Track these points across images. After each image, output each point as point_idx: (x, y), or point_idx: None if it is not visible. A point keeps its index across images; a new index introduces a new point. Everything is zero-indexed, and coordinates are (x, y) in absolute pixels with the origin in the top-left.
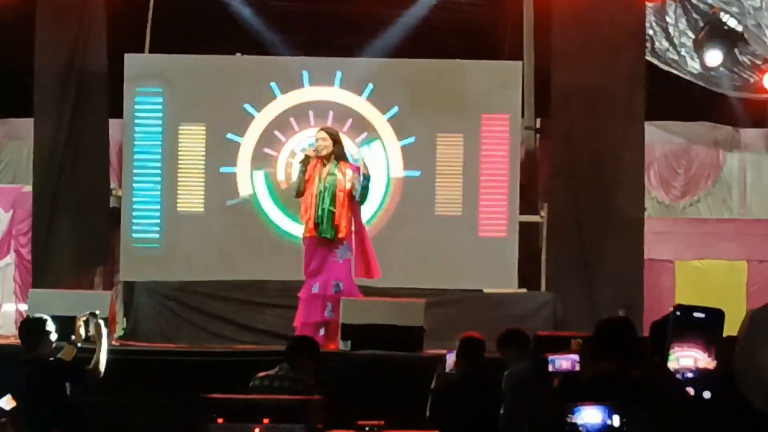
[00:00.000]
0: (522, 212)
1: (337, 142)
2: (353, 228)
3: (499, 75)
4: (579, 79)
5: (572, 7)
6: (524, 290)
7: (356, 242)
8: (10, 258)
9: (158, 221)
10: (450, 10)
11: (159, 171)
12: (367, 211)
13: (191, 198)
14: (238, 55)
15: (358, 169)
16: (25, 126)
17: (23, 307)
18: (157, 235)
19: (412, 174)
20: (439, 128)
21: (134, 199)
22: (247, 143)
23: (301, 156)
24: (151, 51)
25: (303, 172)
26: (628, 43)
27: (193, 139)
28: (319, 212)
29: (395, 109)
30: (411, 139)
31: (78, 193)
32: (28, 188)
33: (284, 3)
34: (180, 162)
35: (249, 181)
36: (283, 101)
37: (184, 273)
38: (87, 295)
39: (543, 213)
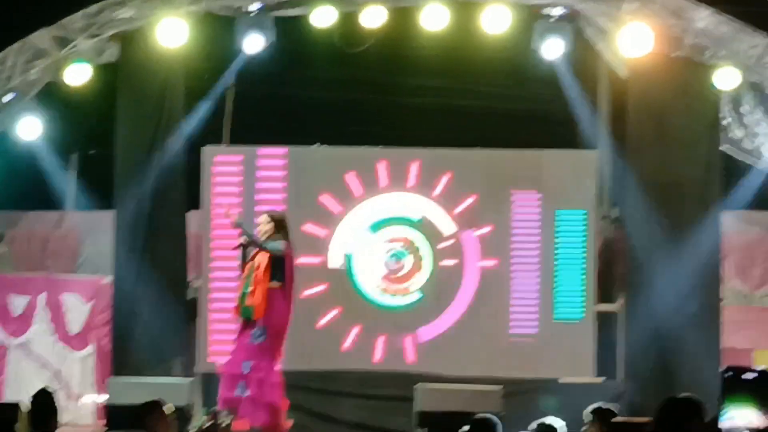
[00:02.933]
0: (599, 301)
1: (279, 225)
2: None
3: (576, 164)
4: (655, 169)
5: (647, 98)
6: (601, 379)
7: (277, 326)
8: (91, 348)
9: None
10: (525, 99)
11: (236, 262)
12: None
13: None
14: (317, 145)
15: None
16: (106, 218)
17: (103, 397)
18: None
19: (488, 263)
20: (516, 218)
21: (212, 291)
22: (326, 234)
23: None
24: (230, 143)
25: (243, 256)
26: (703, 132)
27: None
28: (241, 293)
29: (472, 198)
30: (487, 229)
31: (157, 284)
32: (108, 279)
33: (360, 95)
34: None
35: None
36: (361, 191)
37: None
38: (167, 383)
39: (620, 302)
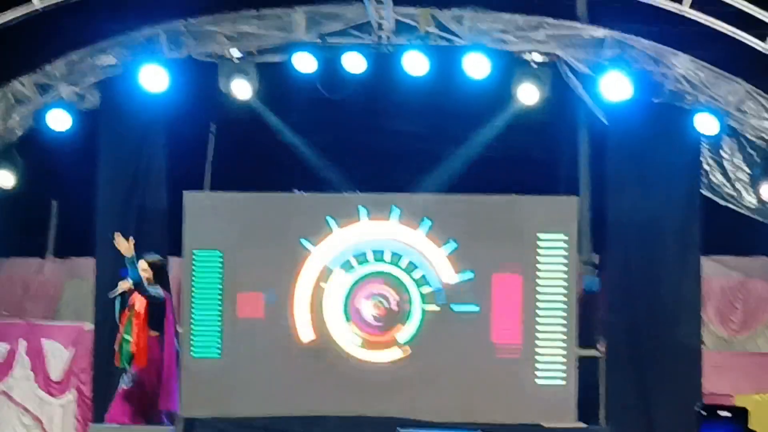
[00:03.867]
0: (580, 345)
1: (158, 272)
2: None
3: (555, 210)
4: (635, 212)
5: (628, 143)
6: (583, 425)
7: (153, 374)
8: (71, 395)
9: (218, 356)
10: (506, 145)
11: (218, 308)
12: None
13: (251, 335)
14: (296, 191)
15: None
16: (87, 264)
17: None
18: (216, 373)
19: (469, 308)
20: (496, 263)
21: (193, 339)
22: (305, 277)
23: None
24: (211, 188)
25: (120, 303)
26: (683, 177)
27: (252, 274)
28: (122, 342)
29: (452, 243)
30: (469, 274)
31: None
32: (90, 326)
33: (342, 140)
34: (240, 297)
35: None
36: (340, 236)
37: (244, 408)
38: (148, 430)
39: (601, 347)
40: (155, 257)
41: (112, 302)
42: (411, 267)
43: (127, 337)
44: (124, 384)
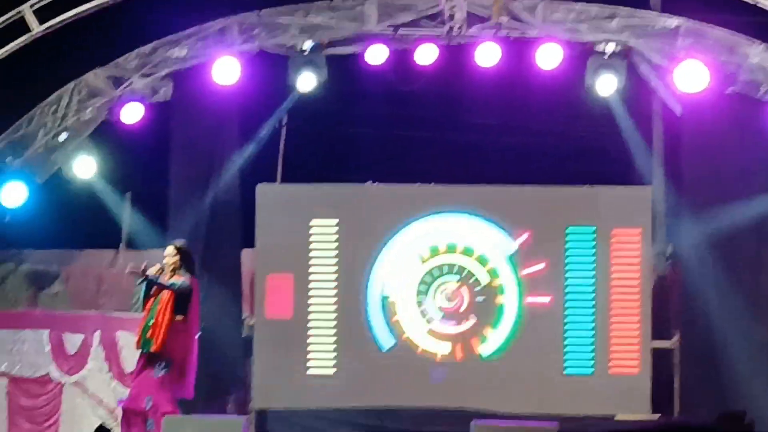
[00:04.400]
0: (654, 338)
1: (185, 257)
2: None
3: (630, 200)
4: (709, 203)
5: (702, 134)
6: (657, 416)
7: (179, 359)
8: None
9: (290, 350)
10: (579, 136)
11: (291, 299)
12: (497, 338)
13: (324, 327)
14: (369, 183)
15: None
16: (160, 257)
17: None
18: (289, 365)
19: (543, 300)
20: (570, 255)
21: (267, 328)
22: (378, 271)
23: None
24: (283, 180)
25: (145, 290)
26: (758, 167)
27: (325, 265)
28: (144, 326)
29: (525, 235)
30: (541, 266)
31: (211, 321)
32: None
33: (412, 132)
34: (312, 288)
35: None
36: (414, 229)
37: (316, 400)
38: (220, 421)
39: (675, 339)
40: (182, 242)
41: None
42: (484, 259)
43: (150, 321)
44: (161, 371)
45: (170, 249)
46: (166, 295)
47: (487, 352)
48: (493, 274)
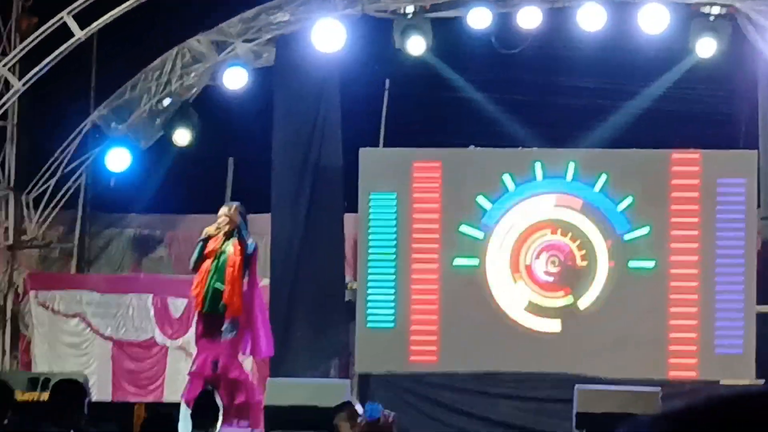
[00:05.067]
0: (759, 302)
1: (240, 218)
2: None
3: (734, 164)
4: None
5: None
6: (762, 381)
7: (246, 319)
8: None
9: (392, 314)
10: (683, 99)
11: (393, 264)
12: (601, 303)
13: (425, 292)
14: (472, 147)
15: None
16: (263, 221)
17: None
18: (391, 325)
19: (646, 264)
20: (674, 218)
21: (369, 293)
22: (480, 234)
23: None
24: (386, 145)
25: (202, 249)
26: None
27: (427, 231)
28: (207, 288)
29: (629, 199)
30: (646, 229)
31: (314, 286)
32: (266, 281)
33: (515, 96)
34: (414, 253)
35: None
36: (517, 193)
37: (419, 365)
38: (325, 384)
39: None
40: (237, 203)
41: (288, 259)
42: (587, 224)
43: (218, 285)
44: (230, 335)
45: (225, 210)
46: (233, 257)
47: (591, 317)
48: (596, 238)
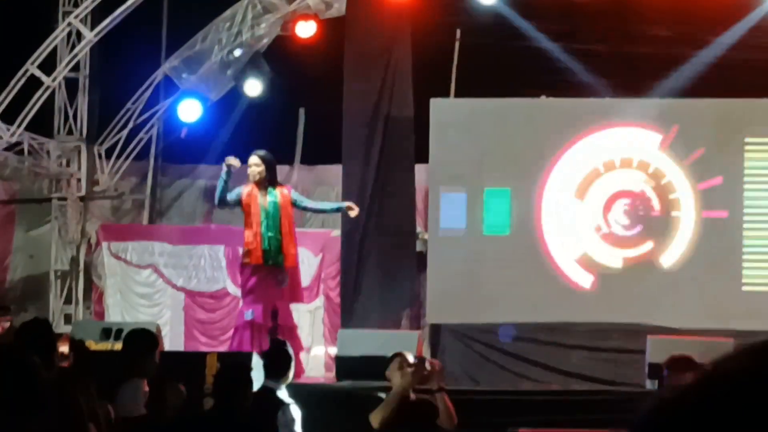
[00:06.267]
0: None
1: (270, 167)
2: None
3: None
4: None
5: None
6: None
7: (292, 269)
8: (320, 301)
9: (464, 264)
10: (756, 48)
11: (464, 215)
12: (674, 253)
13: (496, 243)
14: (543, 97)
15: (290, 188)
16: (333, 172)
17: (332, 350)
18: (463, 281)
19: (719, 215)
20: (748, 168)
21: (440, 244)
22: (551, 186)
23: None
24: (456, 95)
25: (226, 181)
26: None
27: (498, 181)
28: (266, 241)
29: (702, 149)
30: (718, 180)
31: (385, 237)
32: (337, 233)
33: (588, 45)
34: (486, 204)
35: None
36: (587, 143)
37: (490, 315)
38: (395, 335)
39: None
40: (264, 152)
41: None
42: (660, 173)
43: (276, 236)
44: (283, 284)
45: (255, 158)
46: (286, 208)
47: (663, 266)
48: (669, 188)
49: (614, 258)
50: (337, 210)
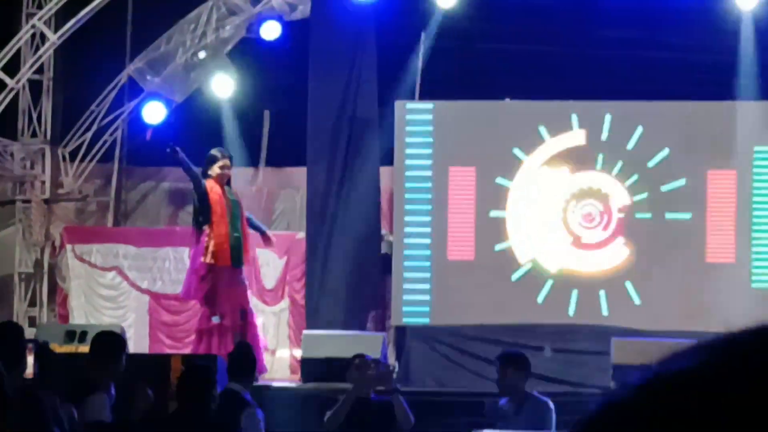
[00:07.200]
0: None
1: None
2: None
3: None
4: None
5: None
6: None
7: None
8: (285, 303)
9: (429, 265)
10: (718, 51)
11: (429, 217)
12: (636, 255)
13: (461, 243)
14: (507, 100)
15: None
16: (298, 175)
17: (297, 352)
18: (427, 282)
19: (682, 216)
20: (710, 169)
21: (405, 245)
22: (516, 187)
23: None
24: (421, 97)
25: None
26: None
27: (463, 184)
28: (233, 241)
29: (665, 150)
30: (681, 181)
31: (350, 239)
32: (302, 235)
33: (551, 47)
34: (450, 206)
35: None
36: (552, 145)
37: (454, 317)
38: (360, 336)
39: None
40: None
41: (324, 212)
42: (623, 174)
43: (239, 234)
44: (244, 282)
45: (228, 161)
46: (241, 206)
47: (627, 267)
48: (633, 189)
49: (578, 259)
50: (261, 231)
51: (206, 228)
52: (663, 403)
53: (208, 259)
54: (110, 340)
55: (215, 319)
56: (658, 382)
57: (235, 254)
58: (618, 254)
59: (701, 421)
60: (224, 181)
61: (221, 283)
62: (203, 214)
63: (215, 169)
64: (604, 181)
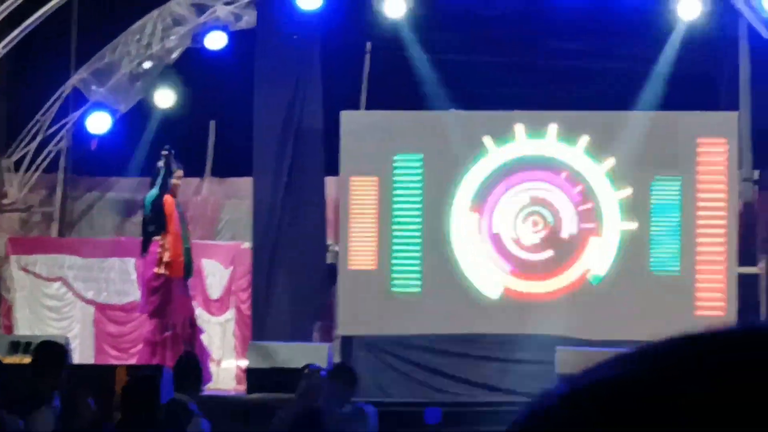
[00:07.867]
0: (741, 263)
1: None
2: None
3: (715, 125)
4: None
5: None
6: None
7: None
8: (230, 314)
9: (375, 278)
10: (666, 61)
11: (374, 226)
12: (585, 262)
13: (406, 254)
14: (452, 110)
15: None
16: (244, 184)
17: (243, 362)
18: (373, 291)
19: (630, 226)
20: (655, 180)
21: (351, 256)
22: (461, 196)
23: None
24: (367, 107)
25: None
26: None
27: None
28: (186, 253)
29: (611, 160)
30: (628, 190)
31: (296, 249)
32: (247, 245)
33: (495, 58)
34: (395, 216)
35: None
36: (497, 156)
37: (401, 327)
38: (306, 347)
39: (762, 265)
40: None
41: (270, 222)
42: (570, 185)
43: (188, 246)
44: (189, 292)
45: (181, 172)
46: (183, 216)
47: (573, 278)
48: (581, 198)
49: (528, 271)
50: None
51: (157, 238)
52: (586, 411)
53: (162, 270)
54: (51, 350)
55: (167, 331)
56: (582, 389)
57: (188, 265)
58: (563, 264)
59: (624, 426)
60: (177, 192)
61: (173, 294)
62: (156, 223)
63: (174, 180)
64: (550, 189)
